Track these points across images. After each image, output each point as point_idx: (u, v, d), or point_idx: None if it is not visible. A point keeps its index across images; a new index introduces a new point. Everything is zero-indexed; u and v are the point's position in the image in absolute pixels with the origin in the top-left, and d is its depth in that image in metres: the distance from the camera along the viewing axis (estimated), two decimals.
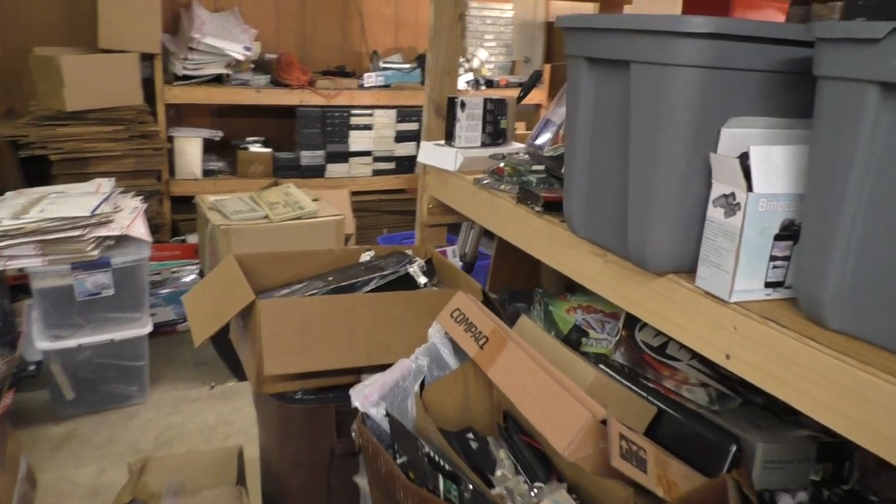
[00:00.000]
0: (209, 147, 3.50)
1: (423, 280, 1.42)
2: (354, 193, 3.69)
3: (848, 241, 0.75)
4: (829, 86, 0.74)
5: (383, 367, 1.18)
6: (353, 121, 3.64)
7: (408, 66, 3.77)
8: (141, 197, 2.49)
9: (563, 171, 1.37)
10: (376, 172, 3.75)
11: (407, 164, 3.81)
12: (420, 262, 1.46)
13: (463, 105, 1.61)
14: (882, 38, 0.66)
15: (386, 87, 3.68)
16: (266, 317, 1.21)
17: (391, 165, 3.78)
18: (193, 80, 3.34)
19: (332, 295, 1.31)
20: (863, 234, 0.74)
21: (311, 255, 1.52)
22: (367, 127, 3.67)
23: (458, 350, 1.11)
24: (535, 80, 1.75)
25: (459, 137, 1.62)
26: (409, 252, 1.56)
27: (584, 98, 1.03)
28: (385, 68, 3.71)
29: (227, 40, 3.38)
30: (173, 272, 2.91)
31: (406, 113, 3.73)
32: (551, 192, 1.26)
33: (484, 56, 3.92)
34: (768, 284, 0.87)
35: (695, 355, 1.21)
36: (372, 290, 1.36)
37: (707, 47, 0.84)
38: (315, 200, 2.63)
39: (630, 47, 0.90)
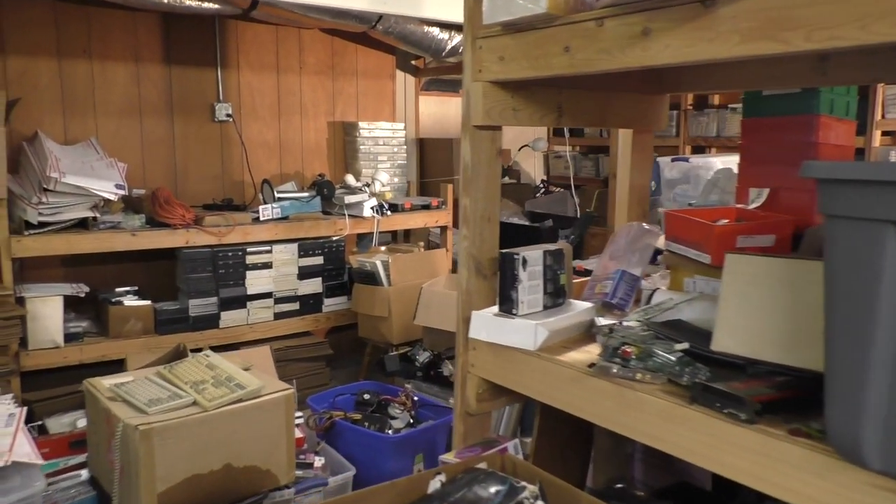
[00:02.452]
0: (67, 304, 2.84)
1: None
2: (254, 343, 3.15)
3: None
4: None
5: None
6: (250, 259, 3.15)
7: (305, 194, 3.36)
8: (10, 396, 1.84)
9: (717, 347, 1.05)
10: (278, 315, 3.26)
11: (312, 303, 3.34)
12: (531, 489, 1.05)
13: (524, 262, 1.26)
14: None
15: (283, 219, 3.24)
16: None
17: (295, 306, 3.30)
18: (51, 228, 2.71)
19: None
20: None
21: (361, 500, 1.06)
22: (266, 265, 3.20)
23: None
24: (587, 221, 1.45)
25: (522, 303, 1.26)
26: (494, 470, 1.14)
27: (891, 275, 0.72)
28: (281, 198, 3.28)
29: (92, 178, 2.81)
30: (48, 484, 2.18)
31: (308, 246, 3.30)
32: (767, 385, 0.92)
33: (385, 179, 3.61)
34: None
35: None
36: None
37: None
38: (247, 370, 2.11)
39: None
